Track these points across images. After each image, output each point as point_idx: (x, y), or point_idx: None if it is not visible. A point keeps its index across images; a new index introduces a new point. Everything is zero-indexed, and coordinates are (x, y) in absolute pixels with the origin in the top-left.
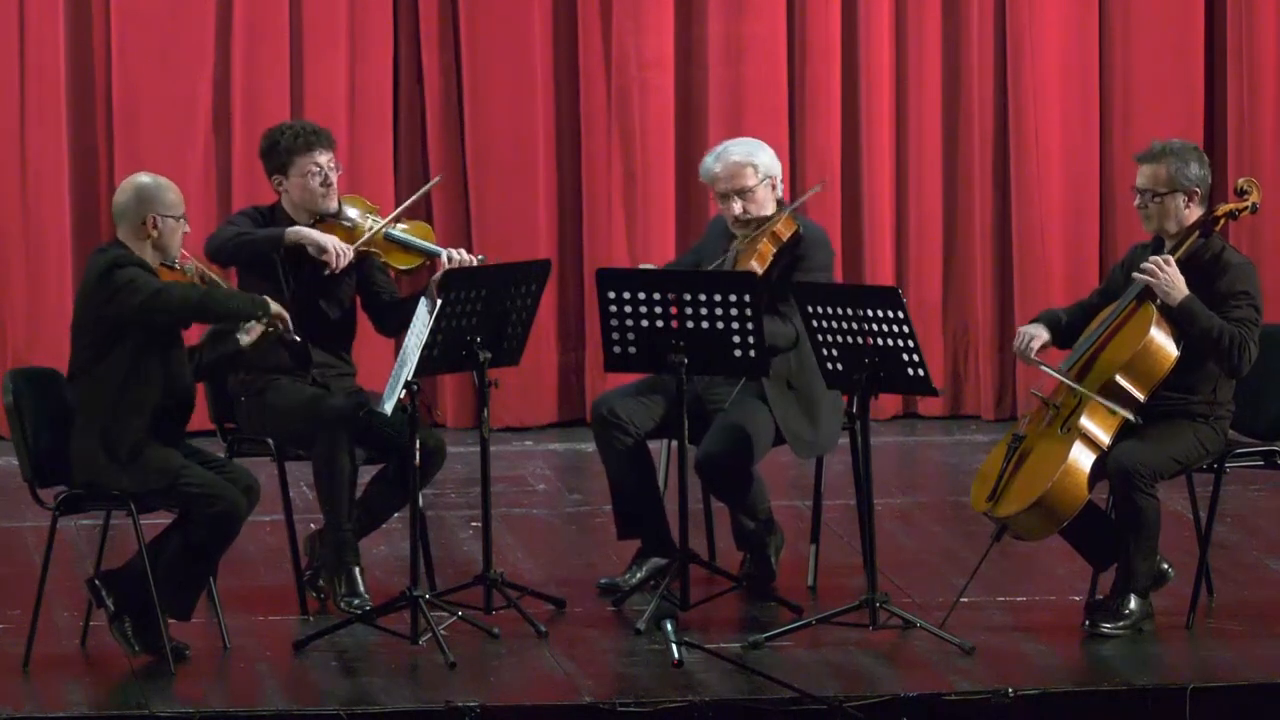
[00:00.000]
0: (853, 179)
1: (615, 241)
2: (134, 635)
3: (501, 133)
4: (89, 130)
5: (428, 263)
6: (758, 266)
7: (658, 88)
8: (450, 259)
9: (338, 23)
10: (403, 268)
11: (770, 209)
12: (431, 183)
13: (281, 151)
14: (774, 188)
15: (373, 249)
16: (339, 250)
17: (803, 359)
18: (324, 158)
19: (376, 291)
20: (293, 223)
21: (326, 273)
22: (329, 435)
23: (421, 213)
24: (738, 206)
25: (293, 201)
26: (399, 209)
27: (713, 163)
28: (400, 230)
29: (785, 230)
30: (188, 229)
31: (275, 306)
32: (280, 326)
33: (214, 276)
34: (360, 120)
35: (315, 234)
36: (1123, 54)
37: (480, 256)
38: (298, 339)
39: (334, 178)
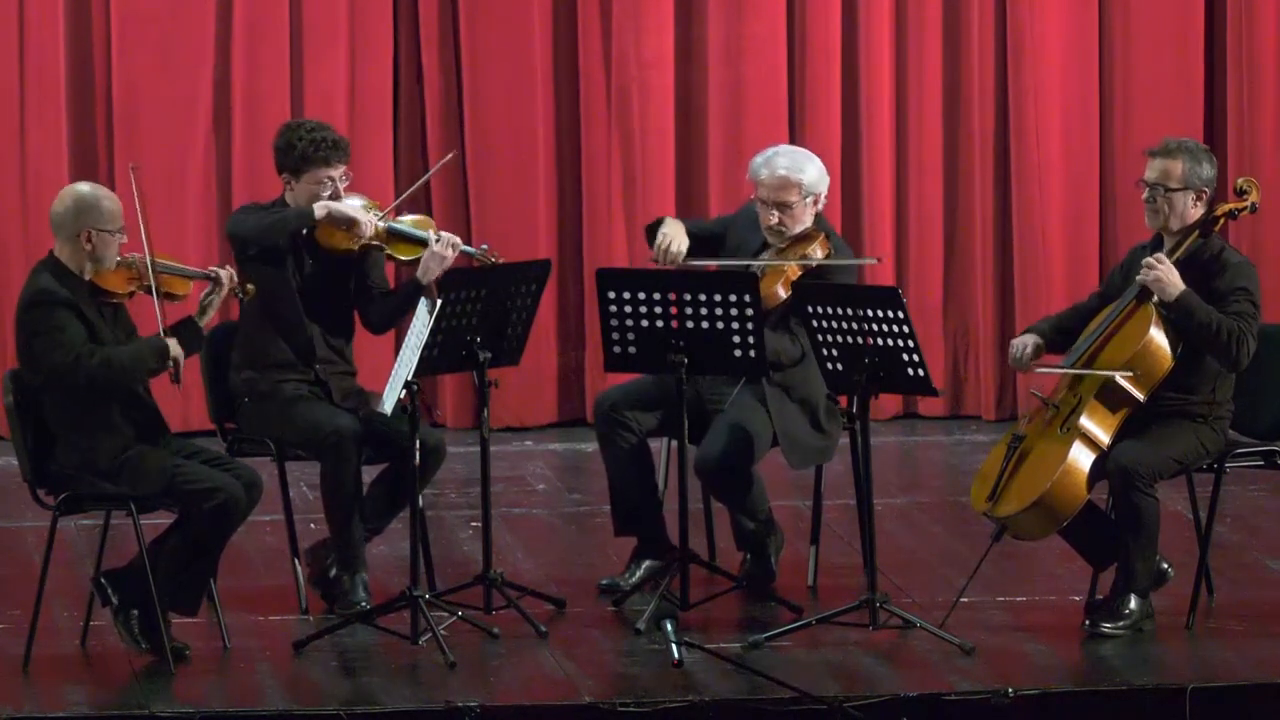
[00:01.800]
0: (853, 179)
1: (615, 241)
2: (139, 632)
3: (501, 133)
4: (89, 130)
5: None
6: (782, 292)
7: (658, 88)
8: (437, 239)
9: (338, 23)
10: (406, 259)
11: (807, 223)
12: (440, 164)
13: (297, 157)
14: (815, 204)
15: (376, 242)
16: (369, 221)
17: (806, 372)
18: (338, 172)
19: (370, 286)
20: None
21: (359, 247)
22: (335, 458)
23: (422, 207)
24: (774, 218)
25: (298, 202)
26: (400, 198)
27: (760, 166)
28: (403, 223)
29: (818, 253)
30: (124, 239)
31: (174, 349)
32: (229, 289)
33: (165, 262)
34: (360, 120)
35: (344, 208)
36: (1123, 54)
37: (484, 246)
38: (250, 286)
39: (342, 188)
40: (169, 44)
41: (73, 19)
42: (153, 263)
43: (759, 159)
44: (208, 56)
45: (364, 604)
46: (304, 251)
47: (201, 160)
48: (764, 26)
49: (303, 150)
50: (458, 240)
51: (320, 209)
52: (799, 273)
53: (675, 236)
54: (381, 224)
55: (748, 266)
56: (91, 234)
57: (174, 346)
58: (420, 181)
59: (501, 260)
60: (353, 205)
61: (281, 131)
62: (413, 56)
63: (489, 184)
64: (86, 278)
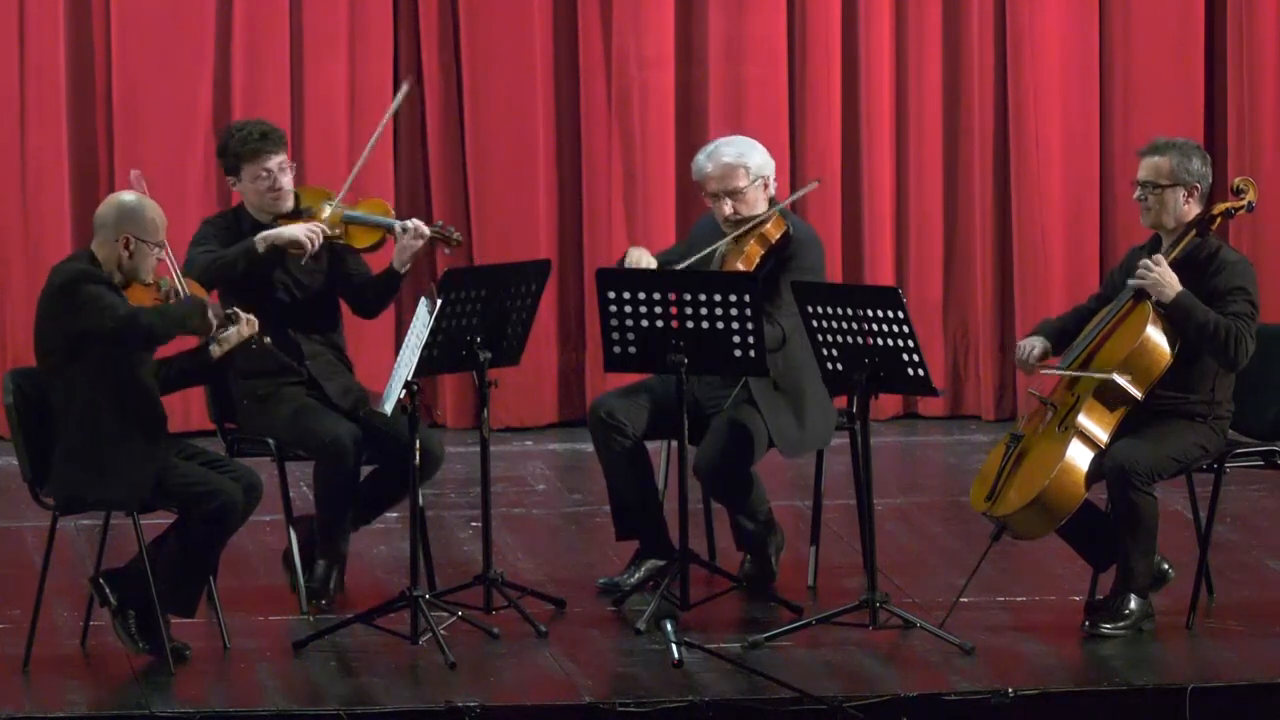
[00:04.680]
0: (853, 178)
1: (615, 241)
2: (137, 632)
3: (501, 133)
4: (89, 130)
5: (388, 237)
6: (744, 269)
7: (658, 88)
8: (405, 229)
9: (338, 23)
10: (363, 246)
11: (761, 208)
12: (370, 142)
13: (230, 155)
14: (766, 187)
15: (334, 232)
16: (310, 235)
17: (789, 359)
18: (273, 162)
19: (349, 275)
20: (256, 223)
21: (304, 262)
22: (333, 464)
23: (422, 205)
24: (728, 207)
25: (249, 202)
26: (348, 180)
27: (704, 161)
28: (357, 210)
29: (774, 231)
30: (163, 257)
31: (212, 311)
32: (248, 335)
33: (190, 293)
34: (360, 120)
35: (283, 231)
36: (1123, 54)
37: (439, 222)
38: (268, 340)
39: (284, 180)
40: (169, 44)
41: (73, 19)
42: (181, 284)
43: (701, 156)
44: (208, 56)
45: (332, 592)
46: (269, 260)
47: (201, 160)
48: (764, 25)
49: (234, 148)
50: (422, 225)
51: (261, 242)
52: (760, 252)
53: (640, 262)
54: (336, 215)
55: (710, 257)
56: (131, 241)
57: (211, 306)
58: (367, 149)
59: (458, 235)
60: (291, 229)
61: (219, 134)
62: (413, 56)
63: (489, 184)
64: (114, 281)
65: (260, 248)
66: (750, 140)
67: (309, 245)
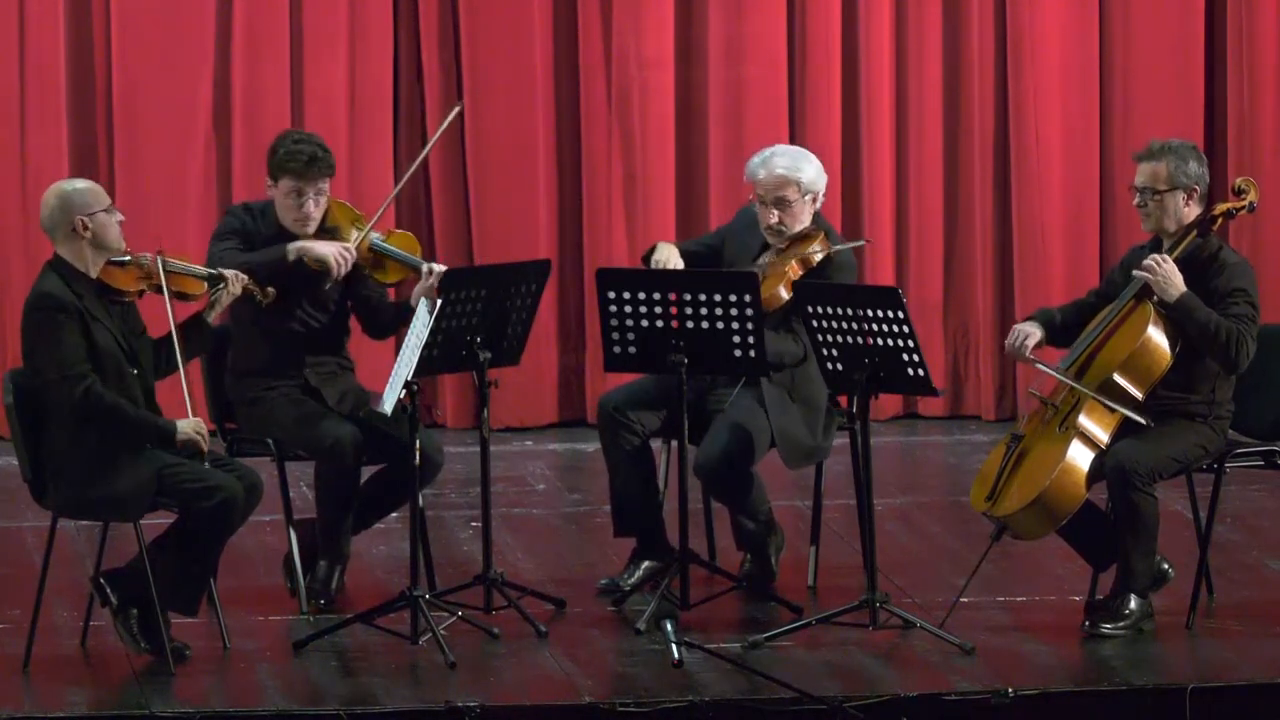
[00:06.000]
0: (853, 179)
1: (615, 241)
2: (139, 631)
3: (501, 133)
4: (89, 130)
5: (412, 275)
6: (784, 293)
7: (658, 88)
8: (431, 271)
9: (338, 23)
10: (387, 281)
11: (806, 221)
12: (411, 168)
13: (274, 163)
14: (814, 202)
15: (359, 261)
16: (340, 259)
17: (809, 372)
18: (309, 188)
19: (367, 296)
20: (281, 229)
21: (328, 285)
22: (334, 466)
23: (422, 207)
24: (773, 217)
25: (278, 204)
26: (381, 208)
27: (758, 166)
28: (387, 243)
29: (817, 255)
30: (121, 217)
31: (183, 433)
32: (239, 292)
33: (176, 263)
34: (360, 120)
35: (315, 247)
36: (1123, 54)
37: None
38: (269, 290)
39: (311, 208)
40: (169, 44)
41: (73, 19)
42: (164, 262)
43: (756, 159)
44: (208, 56)
45: (333, 593)
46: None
47: (201, 160)
48: (764, 26)
49: (279, 159)
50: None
51: (293, 252)
52: (800, 273)
53: (669, 260)
54: (365, 242)
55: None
56: (85, 221)
57: (183, 429)
58: (406, 176)
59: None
60: (324, 248)
61: (277, 137)
62: (413, 56)
63: (489, 184)
64: (94, 274)
65: (290, 257)
66: (806, 153)
67: (335, 270)
